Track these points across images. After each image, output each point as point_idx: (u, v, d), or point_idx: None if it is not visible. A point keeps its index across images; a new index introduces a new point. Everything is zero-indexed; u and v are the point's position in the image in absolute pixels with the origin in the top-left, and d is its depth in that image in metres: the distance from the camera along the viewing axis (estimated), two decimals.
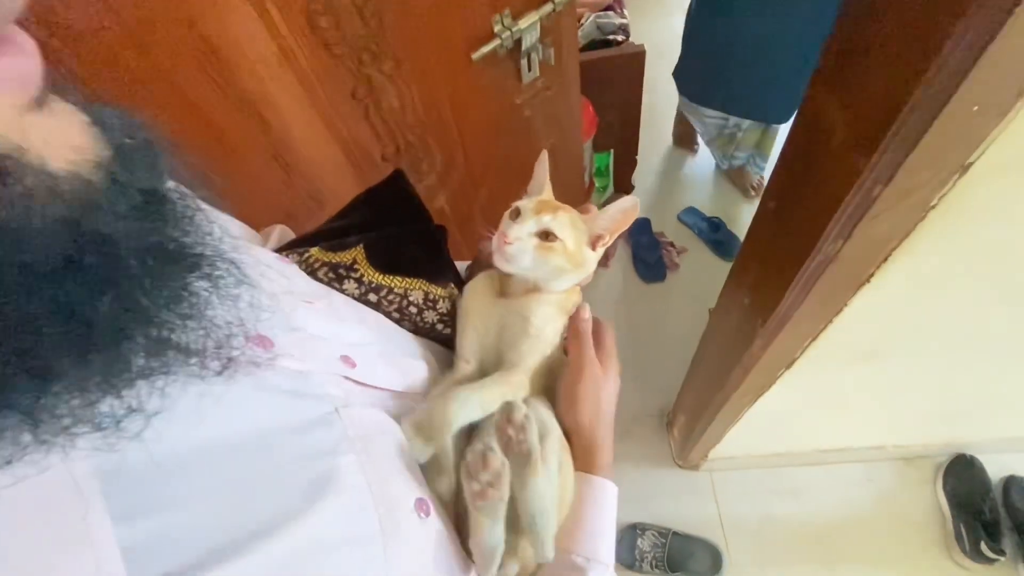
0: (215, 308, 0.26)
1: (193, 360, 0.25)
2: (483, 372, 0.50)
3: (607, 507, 0.45)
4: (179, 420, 0.25)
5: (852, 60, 0.50)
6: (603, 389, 0.48)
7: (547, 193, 0.52)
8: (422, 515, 0.35)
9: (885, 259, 0.59)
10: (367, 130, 1.00)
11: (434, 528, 0.36)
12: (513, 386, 0.46)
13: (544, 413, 0.46)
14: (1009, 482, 1.38)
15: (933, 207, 0.51)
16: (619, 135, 1.87)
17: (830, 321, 0.73)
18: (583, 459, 0.46)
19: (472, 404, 0.42)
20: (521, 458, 0.38)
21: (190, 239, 0.25)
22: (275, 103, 0.85)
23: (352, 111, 0.95)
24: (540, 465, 0.39)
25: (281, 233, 0.56)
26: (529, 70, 1.14)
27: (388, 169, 0.55)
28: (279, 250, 0.48)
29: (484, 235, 0.51)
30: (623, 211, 0.48)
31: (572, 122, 1.40)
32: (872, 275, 0.61)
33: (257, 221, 0.58)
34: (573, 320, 0.50)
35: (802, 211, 0.60)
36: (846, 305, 0.69)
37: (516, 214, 0.49)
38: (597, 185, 2.01)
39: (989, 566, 1.27)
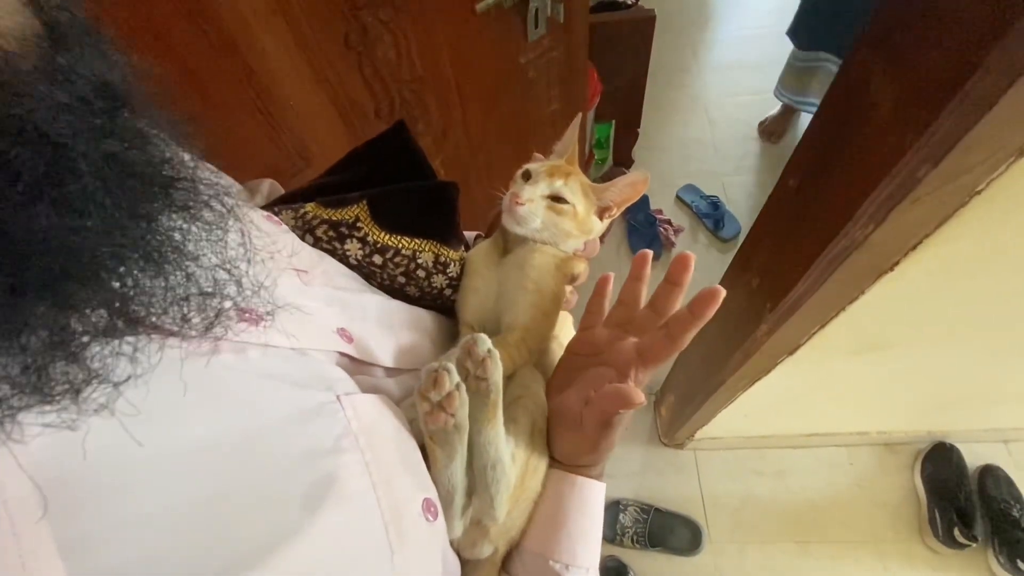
0: (196, 245, 0.21)
1: (170, 313, 0.20)
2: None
3: (589, 507, 0.40)
4: (151, 413, 0.20)
5: (908, 28, 0.46)
6: (613, 444, 0.40)
7: (571, 156, 0.50)
8: (429, 517, 0.31)
9: (914, 247, 0.55)
10: (359, 82, 0.93)
11: (441, 530, 0.32)
12: (509, 348, 0.42)
13: (534, 386, 0.43)
14: (985, 471, 1.41)
15: (979, 192, 0.48)
16: (622, 106, 1.80)
17: (843, 309, 0.70)
18: (568, 468, 0.41)
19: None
20: (479, 398, 0.35)
21: (159, 155, 0.20)
22: (260, 46, 0.77)
23: (344, 60, 0.87)
24: (500, 409, 0.35)
25: (270, 188, 0.50)
26: (536, 27, 1.07)
27: (381, 127, 0.50)
28: (268, 207, 0.42)
29: (496, 193, 0.48)
30: (632, 184, 0.48)
31: (577, 88, 1.33)
32: (897, 263, 0.58)
33: (237, 178, 0.53)
34: (608, 402, 0.36)
35: (830, 191, 0.56)
36: (862, 293, 0.66)
37: (528, 176, 0.48)
38: (596, 157, 1.95)
39: (960, 551, 1.30)
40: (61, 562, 0.17)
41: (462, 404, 0.33)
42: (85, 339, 0.17)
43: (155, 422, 0.20)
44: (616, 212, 0.50)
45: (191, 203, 0.21)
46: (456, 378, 0.33)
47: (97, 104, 0.17)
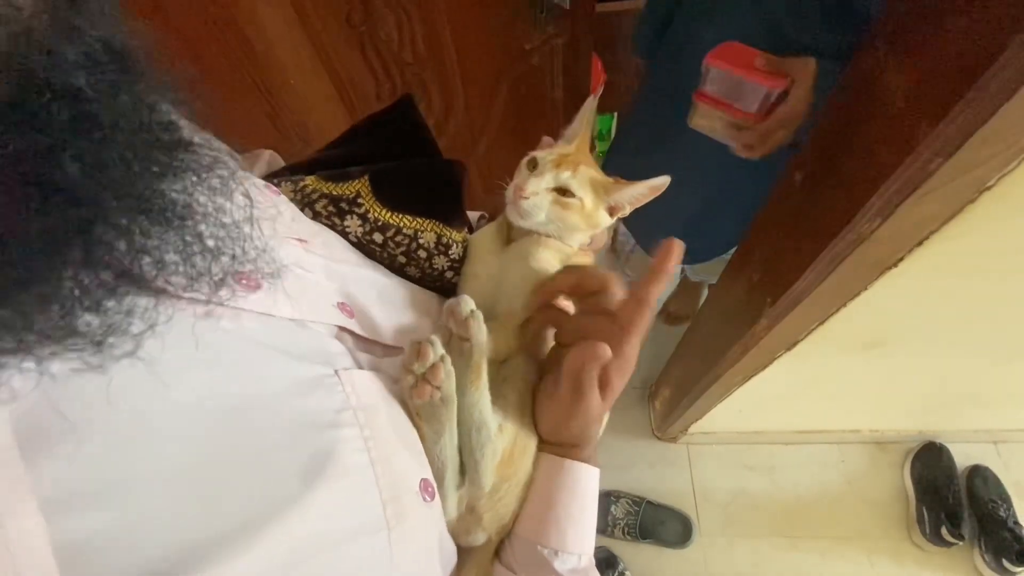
0: (203, 207, 0.21)
1: (179, 273, 0.20)
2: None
3: (580, 491, 0.39)
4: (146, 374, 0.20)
5: (923, 18, 0.45)
6: (593, 418, 0.39)
7: (581, 141, 0.48)
8: (427, 498, 0.30)
9: (920, 243, 0.55)
10: (361, 63, 0.91)
11: (438, 512, 0.32)
12: (507, 334, 0.42)
13: (526, 368, 0.43)
14: (973, 471, 1.42)
15: (989, 188, 0.47)
16: (626, 98, 1.79)
17: (844, 305, 0.70)
18: (556, 449, 0.41)
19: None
20: (463, 359, 0.35)
21: (165, 118, 0.20)
22: (259, 21, 0.76)
23: (345, 39, 0.86)
24: (484, 371, 0.35)
25: (270, 160, 0.49)
26: (542, 12, 1.05)
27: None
28: (268, 178, 0.41)
29: (500, 183, 0.47)
30: (652, 188, 0.46)
31: (581, 77, 1.31)
32: (901, 259, 0.58)
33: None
34: (576, 357, 0.36)
35: (838, 184, 0.56)
36: (865, 289, 0.65)
37: (533, 165, 0.46)
38: (598, 149, 1.93)
39: (946, 549, 1.31)
40: (43, 519, 0.16)
41: (448, 376, 0.33)
42: (101, 294, 0.18)
43: (147, 383, 0.20)
44: (628, 210, 0.48)
45: (196, 167, 0.21)
46: (440, 350, 0.33)
47: (108, 65, 0.18)
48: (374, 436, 0.28)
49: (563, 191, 0.44)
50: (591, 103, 0.49)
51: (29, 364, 0.16)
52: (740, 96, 0.69)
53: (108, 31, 0.18)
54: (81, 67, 0.16)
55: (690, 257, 1.40)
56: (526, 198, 0.43)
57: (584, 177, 0.45)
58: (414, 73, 0.97)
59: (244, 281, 0.25)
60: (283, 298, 0.28)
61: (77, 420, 0.18)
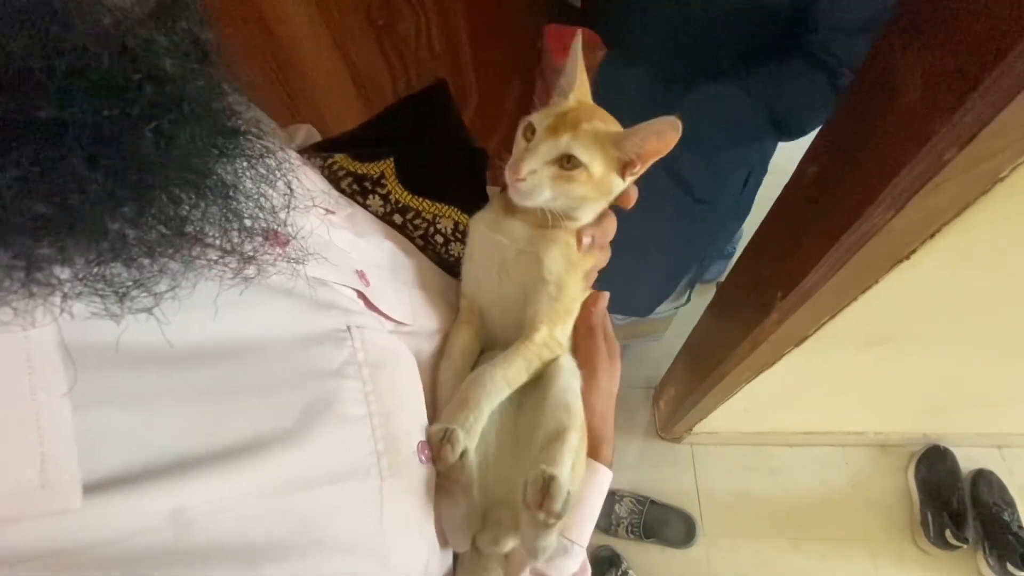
0: (246, 195, 0.23)
1: (218, 244, 0.22)
2: (482, 310, 0.45)
3: (600, 492, 0.42)
4: (179, 304, 0.22)
5: (938, 11, 0.46)
6: (613, 383, 0.44)
7: (579, 91, 0.41)
8: (423, 459, 0.32)
9: (932, 235, 0.56)
10: (378, 58, 0.92)
11: (435, 477, 0.33)
12: (537, 347, 0.41)
13: (570, 395, 0.41)
14: (978, 475, 1.42)
15: (1002, 179, 0.48)
16: None
17: (855, 299, 0.71)
18: (589, 449, 0.43)
19: (498, 384, 0.38)
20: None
21: (231, 107, 0.22)
22: (283, 15, 0.77)
23: (365, 34, 0.87)
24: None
25: (307, 134, 0.51)
26: (556, 11, 1.07)
27: None
28: (301, 152, 0.43)
29: (497, 162, 0.42)
30: (656, 132, 0.37)
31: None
32: (914, 251, 0.59)
33: None
34: (586, 312, 0.44)
35: (852, 176, 0.57)
36: (876, 283, 0.66)
37: (531, 131, 0.40)
38: None
39: (950, 553, 1.31)
40: (69, 403, 0.18)
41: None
42: (139, 250, 0.19)
43: (180, 312, 0.22)
44: (640, 169, 0.40)
45: (250, 153, 0.23)
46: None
47: (192, 54, 0.20)
48: (376, 392, 0.29)
49: (567, 159, 0.38)
50: (577, 42, 0.41)
51: (55, 300, 0.18)
52: None
53: (195, 23, 0.20)
54: (169, 53, 0.19)
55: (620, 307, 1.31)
56: (523, 180, 0.38)
57: (587, 137, 0.38)
58: (429, 69, 0.99)
59: (273, 238, 0.27)
60: (309, 257, 0.29)
61: (94, 345, 0.20)
